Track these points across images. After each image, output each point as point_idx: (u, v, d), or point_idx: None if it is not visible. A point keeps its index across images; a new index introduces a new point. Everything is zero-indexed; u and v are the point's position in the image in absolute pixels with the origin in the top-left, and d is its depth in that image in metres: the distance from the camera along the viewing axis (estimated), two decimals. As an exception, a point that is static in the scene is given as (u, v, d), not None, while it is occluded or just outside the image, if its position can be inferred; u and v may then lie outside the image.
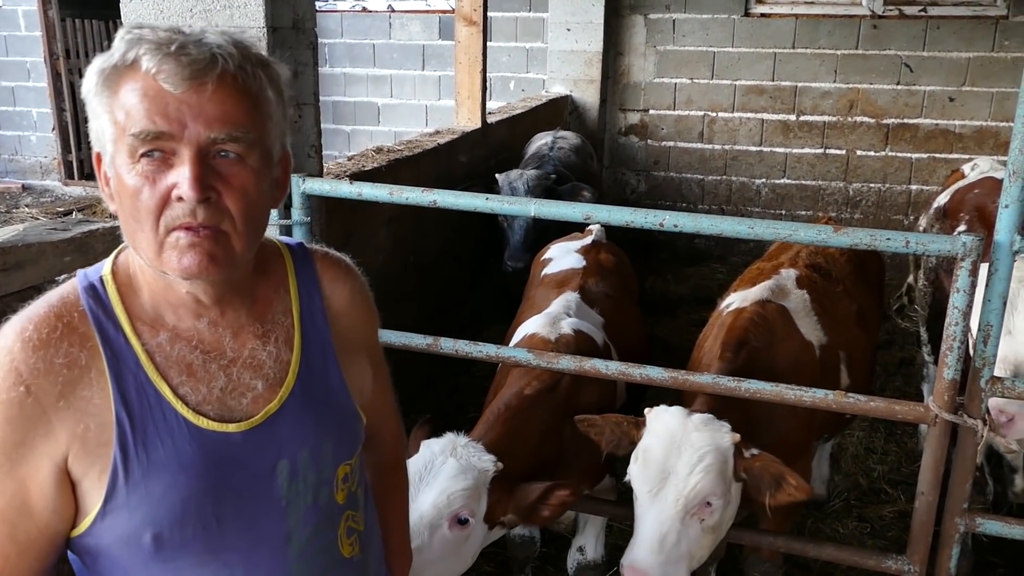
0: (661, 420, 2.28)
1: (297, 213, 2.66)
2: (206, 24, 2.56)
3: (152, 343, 1.24)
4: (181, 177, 1.14)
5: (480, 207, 2.49)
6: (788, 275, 3.15)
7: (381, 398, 1.59)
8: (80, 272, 1.28)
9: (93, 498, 1.20)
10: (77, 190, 10.02)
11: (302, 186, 2.64)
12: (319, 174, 2.89)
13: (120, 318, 1.24)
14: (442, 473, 2.19)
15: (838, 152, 7.63)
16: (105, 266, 1.29)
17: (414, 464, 2.24)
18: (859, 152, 7.59)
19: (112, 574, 1.26)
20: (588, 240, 3.79)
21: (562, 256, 3.67)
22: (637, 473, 2.24)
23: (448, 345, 2.63)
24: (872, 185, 7.63)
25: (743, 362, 2.62)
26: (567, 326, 2.93)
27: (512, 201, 2.51)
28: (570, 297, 3.14)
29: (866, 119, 7.49)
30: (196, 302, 1.27)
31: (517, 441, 2.43)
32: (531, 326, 2.98)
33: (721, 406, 2.45)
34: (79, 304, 1.23)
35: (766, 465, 2.19)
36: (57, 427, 1.17)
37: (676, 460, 2.17)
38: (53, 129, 10.13)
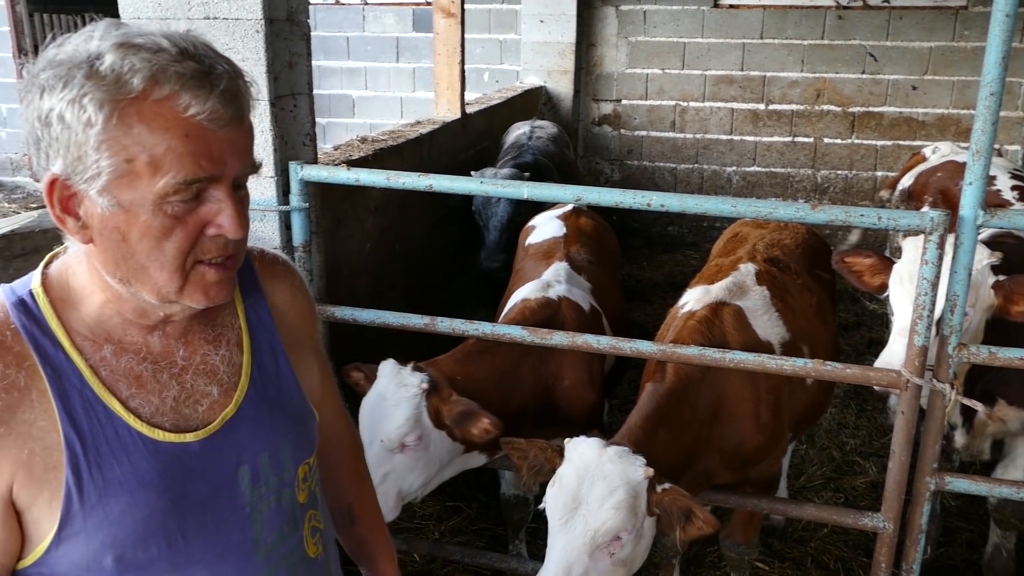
0: (578, 450, 2.24)
1: (296, 199, 2.74)
2: (183, 20, 2.63)
3: (95, 357, 1.17)
4: (222, 215, 1.11)
5: (474, 190, 2.60)
6: (747, 270, 3.10)
7: (331, 395, 1.58)
8: (3, 287, 1.20)
9: (44, 527, 1.13)
10: (48, 186, 9.92)
11: (300, 173, 2.72)
12: (314, 161, 2.97)
13: (57, 333, 1.16)
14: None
15: (806, 140, 7.83)
16: (34, 280, 1.20)
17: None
18: (826, 140, 7.80)
19: None
20: (569, 207, 3.94)
21: (544, 223, 3.87)
22: (550, 501, 2.21)
23: (445, 324, 2.73)
24: (839, 172, 7.84)
25: (672, 380, 2.61)
26: (555, 293, 3.15)
27: (506, 184, 2.61)
28: (560, 267, 3.32)
29: (833, 108, 7.70)
30: (159, 319, 1.22)
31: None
32: (523, 292, 3.17)
33: (654, 429, 2.46)
34: (10, 321, 1.14)
35: (675, 499, 2.17)
36: None
37: (588, 491, 2.13)
38: (23, 124, 10.03)
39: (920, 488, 2.50)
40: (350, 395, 2.68)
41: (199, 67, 1.08)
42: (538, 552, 3.10)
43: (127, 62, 1.04)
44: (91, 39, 1.08)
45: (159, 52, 1.06)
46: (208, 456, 1.23)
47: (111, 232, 1.10)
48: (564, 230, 3.68)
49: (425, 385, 2.58)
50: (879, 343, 5.81)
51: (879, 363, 2.59)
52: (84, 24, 1.14)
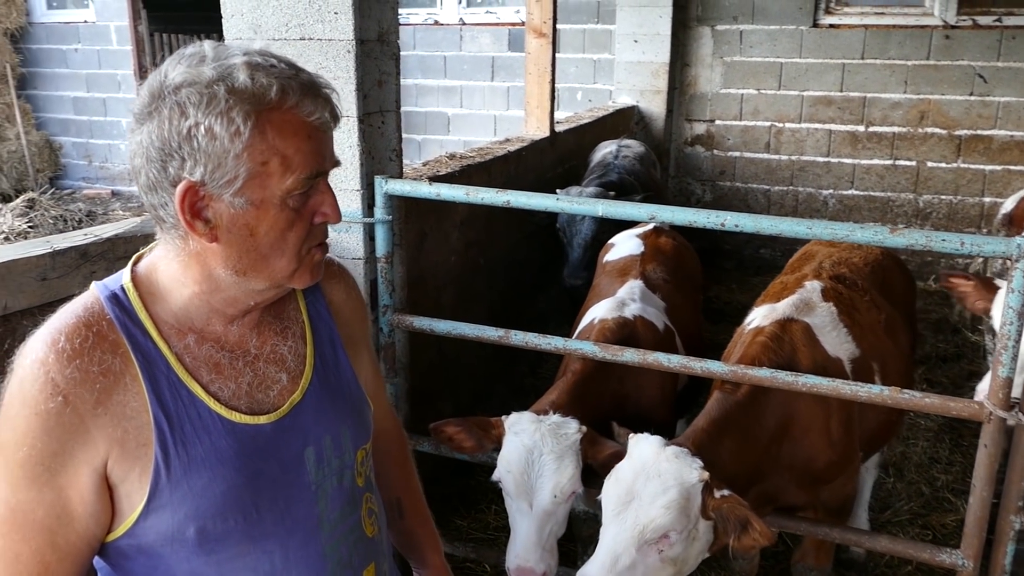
0: (639, 447, 2.29)
1: (380, 212, 2.85)
2: (281, 40, 2.78)
3: (179, 346, 1.29)
4: (326, 204, 1.30)
5: (551, 207, 2.65)
6: (813, 287, 3.08)
7: (381, 392, 1.71)
8: (96, 284, 1.32)
9: (135, 499, 1.24)
10: (161, 195, 10.55)
11: (384, 187, 2.83)
12: (399, 176, 3.08)
13: (146, 324, 1.28)
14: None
15: (908, 163, 7.58)
16: (124, 276, 1.32)
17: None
18: (930, 164, 7.52)
19: (151, 572, 1.30)
20: (650, 226, 3.96)
21: (623, 241, 3.90)
22: (606, 493, 2.27)
23: (518, 338, 2.78)
24: (943, 197, 7.55)
25: (743, 392, 2.59)
26: (631, 312, 3.17)
27: (581, 202, 2.65)
28: (634, 285, 3.34)
29: (937, 130, 7.42)
30: (245, 309, 1.35)
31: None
32: (599, 311, 3.19)
33: (719, 436, 2.47)
34: (105, 313, 1.26)
35: (732, 507, 2.16)
36: (95, 434, 1.20)
37: (642, 487, 2.17)
38: (141, 138, 10.68)
39: (1003, 526, 2.40)
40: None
41: (311, 79, 1.26)
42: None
43: (256, 78, 1.19)
44: (203, 60, 1.21)
45: (275, 68, 1.22)
46: (279, 437, 1.35)
47: (240, 229, 1.24)
48: (642, 248, 3.69)
49: (584, 430, 2.57)
50: (979, 376, 5.56)
51: (979, 389, 2.50)
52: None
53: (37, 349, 1.21)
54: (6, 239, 6.77)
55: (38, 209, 7.62)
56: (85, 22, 10.68)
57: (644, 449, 2.27)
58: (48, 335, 1.22)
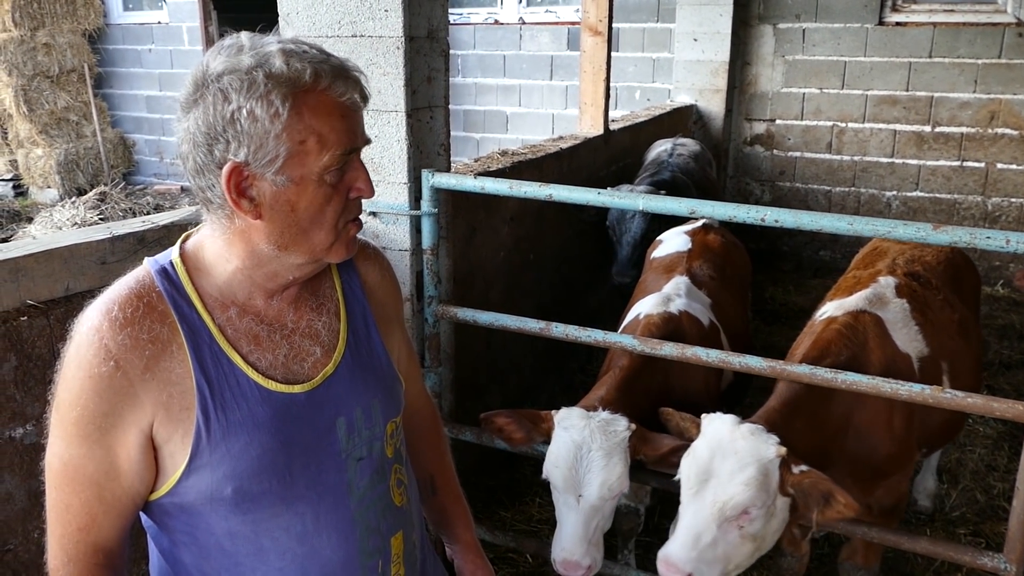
0: (712, 425, 2.32)
1: (426, 205, 2.92)
2: (334, 37, 2.86)
3: (222, 318, 1.38)
4: (360, 180, 1.37)
5: (593, 201, 2.68)
6: (887, 283, 3.09)
7: (416, 373, 1.78)
8: (148, 259, 1.42)
9: (178, 459, 1.33)
10: (229, 191, 10.88)
11: (431, 180, 2.89)
12: (447, 170, 3.14)
13: (192, 297, 1.37)
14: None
15: (976, 165, 7.36)
16: (173, 253, 1.42)
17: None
18: (1000, 165, 7.30)
19: (192, 530, 1.39)
20: (699, 223, 3.97)
21: (671, 238, 3.92)
22: (683, 471, 2.30)
23: (559, 330, 2.81)
24: (1014, 200, 7.31)
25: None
26: (676, 307, 3.19)
27: (622, 196, 2.68)
28: (680, 280, 3.36)
29: (1008, 131, 7.20)
30: (285, 283, 1.43)
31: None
32: (644, 306, 3.23)
33: (790, 417, 2.48)
34: (155, 286, 1.35)
35: (815, 482, 2.19)
36: (143, 397, 1.29)
37: (720, 465, 2.20)
38: (210, 135, 11.01)
39: (1049, 531, 2.34)
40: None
41: (341, 63, 1.33)
42: (649, 566, 3.12)
43: (291, 63, 1.27)
44: (241, 50, 1.29)
45: (307, 53, 1.30)
46: (312, 406, 1.43)
47: (283, 205, 1.32)
48: (689, 245, 3.70)
49: (634, 427, 2.59)
50: (1045, 384, 5.39)
51: None
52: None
53: (92, 317, 1.31)
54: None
55: (109, 202, 7.95)
56: (159, 23, 11.05)
57: (719, 427, 2.30)
58: (103, 305, 1.32)
